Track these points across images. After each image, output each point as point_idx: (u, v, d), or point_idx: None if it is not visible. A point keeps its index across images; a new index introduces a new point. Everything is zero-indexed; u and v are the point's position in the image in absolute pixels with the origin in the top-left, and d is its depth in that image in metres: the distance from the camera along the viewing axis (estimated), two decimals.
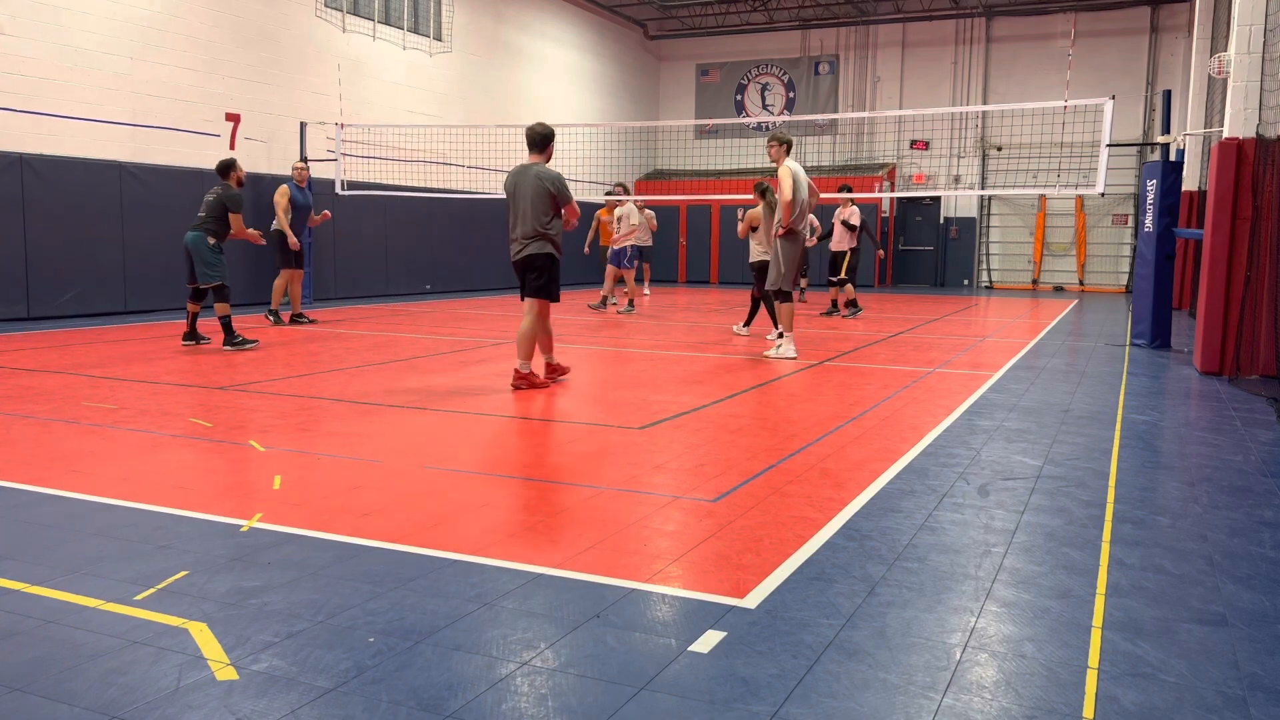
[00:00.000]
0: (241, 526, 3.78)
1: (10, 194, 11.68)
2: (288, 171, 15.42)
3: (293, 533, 3.71)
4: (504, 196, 7.25)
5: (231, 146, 14.70)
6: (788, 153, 9.03)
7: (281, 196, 11.55)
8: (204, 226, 9.16)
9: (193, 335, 9.45)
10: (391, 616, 2.92)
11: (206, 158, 14.31)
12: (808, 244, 9.56)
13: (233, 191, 9.35)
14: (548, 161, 7.18)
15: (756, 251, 10.95)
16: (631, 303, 14.48)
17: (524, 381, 7.11)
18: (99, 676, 2.52)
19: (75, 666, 2.58)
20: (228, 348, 9.11)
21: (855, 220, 13.57)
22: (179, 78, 13.88)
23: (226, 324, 9.22)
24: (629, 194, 14.09)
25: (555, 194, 6.93)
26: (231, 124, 14.75)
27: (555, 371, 7.48)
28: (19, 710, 2.36)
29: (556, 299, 7.16)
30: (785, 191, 8.82)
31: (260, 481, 4.49)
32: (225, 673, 2.55)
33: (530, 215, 6.93)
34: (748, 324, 11.39)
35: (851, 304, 14.00)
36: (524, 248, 6.99)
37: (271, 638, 2.77)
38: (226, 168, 9.50)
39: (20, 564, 3.35)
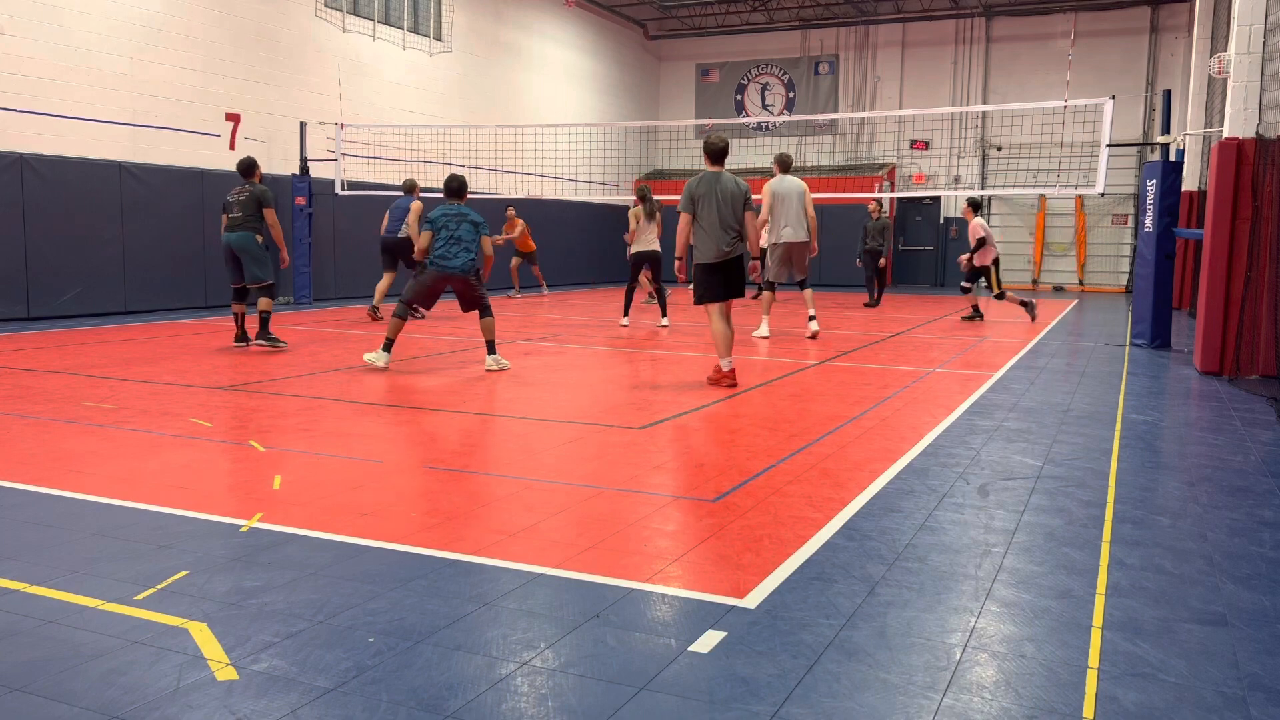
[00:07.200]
0: (241, 526, 3.78)
1: (10, 194, 11.68)
2: (287, 171, 15.47)
3: (293, 533, 3.71)
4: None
5: (231, 146, 14.70)
6: (784, 170, 10.68)
7: (417, 209, 11.94)
8: (249, 225, 9.20)
9: (244, 337, 9.55)
10: (391, 616, 2.92)
11: (206, 158, 14.32)
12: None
13: (265, 188, 9.42)
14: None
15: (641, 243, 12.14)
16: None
17: (732, 377, 7.55)
18: (99, 676, 2.52)
19: (75, 666, 2.58)
20: (260, 341, 9.30)
21: (975, 235, 13.31)
22: (179, 78, 13.88)
23: (267, 319, 9.38)
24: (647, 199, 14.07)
25: (747, 200, 7.53)
26: (231, 124, 14.75)
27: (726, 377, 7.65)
28: (19, 710, 2.36)
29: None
30: (763, 210, 10.51)
31: (260, 481, 4.49)
32: (225, 673, 2.55)
33: (732, 218, 7.48)
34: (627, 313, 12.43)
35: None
36: (728, 252, 7.52)
37: (271, 638, 2.77)
38: (251, 166, 9.49)
39: (20, 564, 3.35)
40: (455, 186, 8.34)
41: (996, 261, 13.35)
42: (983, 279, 13.49)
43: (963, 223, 24.35)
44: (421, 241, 8.12)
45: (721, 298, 7.60)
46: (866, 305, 16.49)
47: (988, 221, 24.27)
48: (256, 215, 9.23)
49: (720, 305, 7.61)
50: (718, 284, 7.58)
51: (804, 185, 10.75)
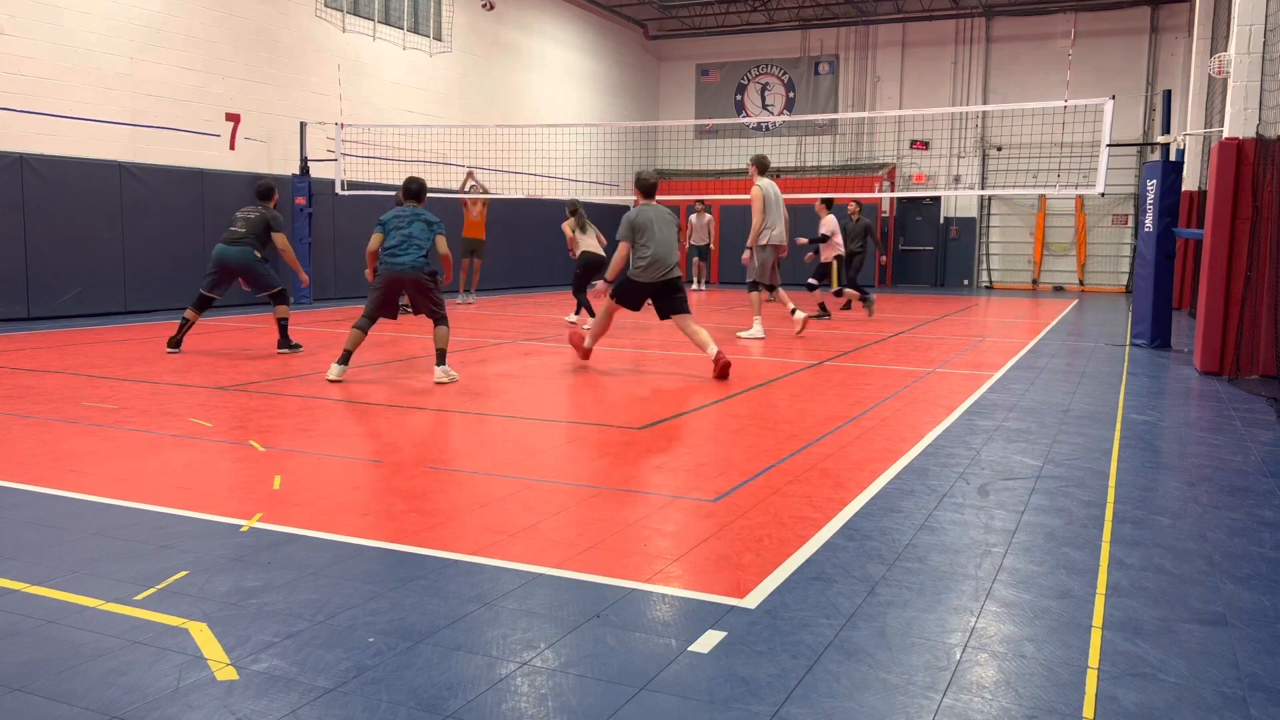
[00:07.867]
0: (241, 526, 3.78)
1: (10, 194, 11.67)
2: (288, 172, 15.47)
3: (293, 533, 3.71)
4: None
5: (231, 146, 14.69)
6: (762, 171, 10.75)
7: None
8: (247, 242, 9.09)
9: (180, 342, 9.11)
10: (391, 616, 2.92)
11: (206, 158, 14.31)
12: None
13: (277, 213, 9.38)
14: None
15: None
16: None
17: (588, 354, 8.47)
18: (99, 676, 2.52)
19: (75, 666, 2.58)
20: (283, 350, 9.10)
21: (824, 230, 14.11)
22: (179, 78, 13.88)
23: (285, 326, 9.23)
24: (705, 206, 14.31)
25: (677, 226, 8.39)
26: (231, 124, 14.74)
27: (585, 353, 8.63)
28: (19, 710, 2.36)
29: None
30: (755, 212, 10.72)
31: (260, 481, 4.49)
32: (225, 673, 2.55)
33: (671, 244, 8.22)
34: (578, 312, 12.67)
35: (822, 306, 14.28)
36: (670, 270, 8.18)
37: (271, 638, 2.77)
38: (270, 191, 9.46)
39: (20, 564, 3.35)
40: (414, 189, 8.04)
41: (840, 259, 14.02)
42: (825, 276, 14.18)
43: (963, 222, 24.37)
44: (371, 244, 7.75)
45: (637, 309, 8.38)
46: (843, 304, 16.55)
47: (988, 219, 24.35)
48: (262, 236, 9.16)
49: (678, 319, 8.19)
50: (639, 299, 8.27)
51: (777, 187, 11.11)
